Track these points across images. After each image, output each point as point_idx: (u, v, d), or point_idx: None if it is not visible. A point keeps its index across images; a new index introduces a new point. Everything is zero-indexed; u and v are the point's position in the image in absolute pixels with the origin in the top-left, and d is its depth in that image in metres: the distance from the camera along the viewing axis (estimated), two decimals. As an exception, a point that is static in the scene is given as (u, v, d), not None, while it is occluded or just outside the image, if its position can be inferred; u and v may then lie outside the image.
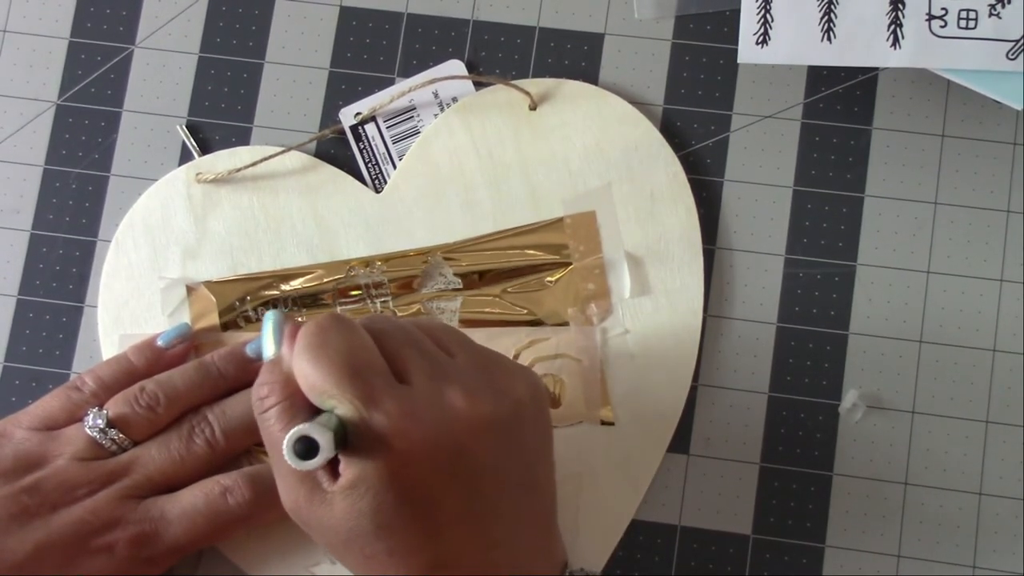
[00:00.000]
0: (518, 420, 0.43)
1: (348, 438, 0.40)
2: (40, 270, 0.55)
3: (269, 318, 0.44)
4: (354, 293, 0.53)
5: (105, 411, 0.49)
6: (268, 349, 0.44)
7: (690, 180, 0.54)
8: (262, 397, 0.43)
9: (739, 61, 0.51)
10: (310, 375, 0.41)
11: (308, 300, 0.53)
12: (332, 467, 0.41)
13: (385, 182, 0.55)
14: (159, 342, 0.52)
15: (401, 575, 0.42)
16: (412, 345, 0.43)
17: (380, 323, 0.44)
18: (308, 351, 0.41)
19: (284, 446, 0.39)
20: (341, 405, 0.40)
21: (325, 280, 0.53)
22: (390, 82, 0.56)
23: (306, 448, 0.39)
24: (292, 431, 0.39)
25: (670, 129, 0.55)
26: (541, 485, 0.45)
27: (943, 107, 0.54)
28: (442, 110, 0.55)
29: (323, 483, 0.41)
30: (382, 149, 0.55)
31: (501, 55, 0.56)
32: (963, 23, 0.50)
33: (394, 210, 0.54)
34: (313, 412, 0.42)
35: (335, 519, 0.41)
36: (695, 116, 0.55)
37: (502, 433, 0.42)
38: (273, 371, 0.43)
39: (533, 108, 0.54)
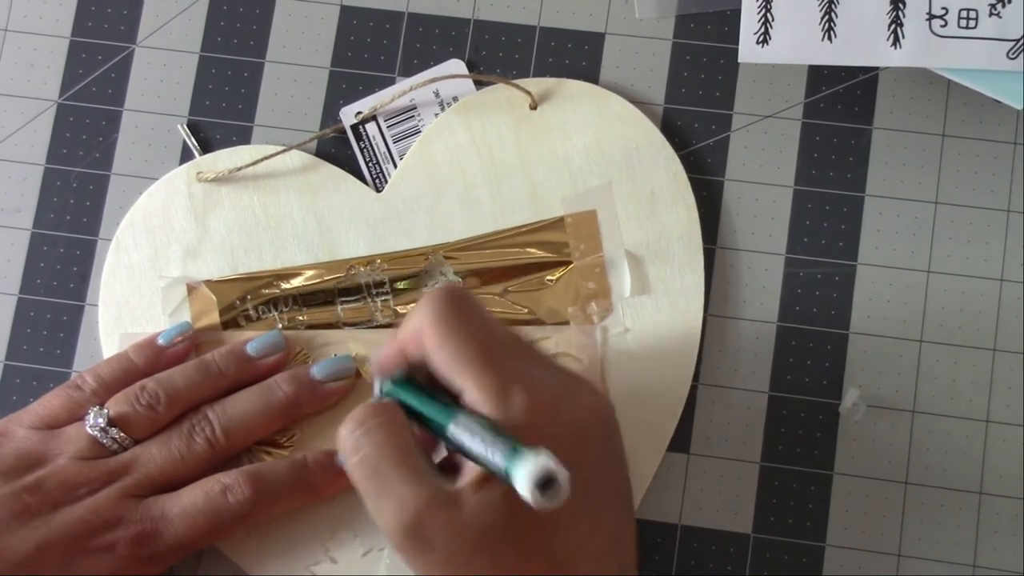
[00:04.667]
0: (617, 422, 0.44)
1: None
2: (41, 269, 0.55)
3: (374, 370, 0.45)
4: (351, 299, 0.53)
5: (106, 410, 0.49)
6: (376, 390, 0.44)
7: (690, 179, 0.54)
8: (362, 424, 0.42)
9: (739, 61, 0.51)
10: (444, 360, 0.41)
11: (309, 299, 0.53)
12: (447, 465, 0.41)
13: (386, 181, 0.55)
14: (160, 340, 0.52)
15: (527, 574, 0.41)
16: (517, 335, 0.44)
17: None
18: (440, 327, 0.41)
19: (529, 484, 0.36)
20: (471, 392, 0.40)
21: (326, 279, 0.53)
22: (391, 81, 0.56)
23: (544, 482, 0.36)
24: (539, 466, 0.36)
25: (671, 128, 0.55)
26: (629, 495, 0.45)
27: (943, 107, 0.54)
28: (443, 109, 0.55)
29: (444, 483, 0.40)
30: (383, 148, 0.55)
31: (502, 54, 0.56)
32: (963, 23, 0.50)
33: (395, 209, 0.54)
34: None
35: (466, 518, 0.39)
36: (695, 116, 0.55)
37: (613, 431, 0.43)
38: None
39: (534, 107, 0.54)
